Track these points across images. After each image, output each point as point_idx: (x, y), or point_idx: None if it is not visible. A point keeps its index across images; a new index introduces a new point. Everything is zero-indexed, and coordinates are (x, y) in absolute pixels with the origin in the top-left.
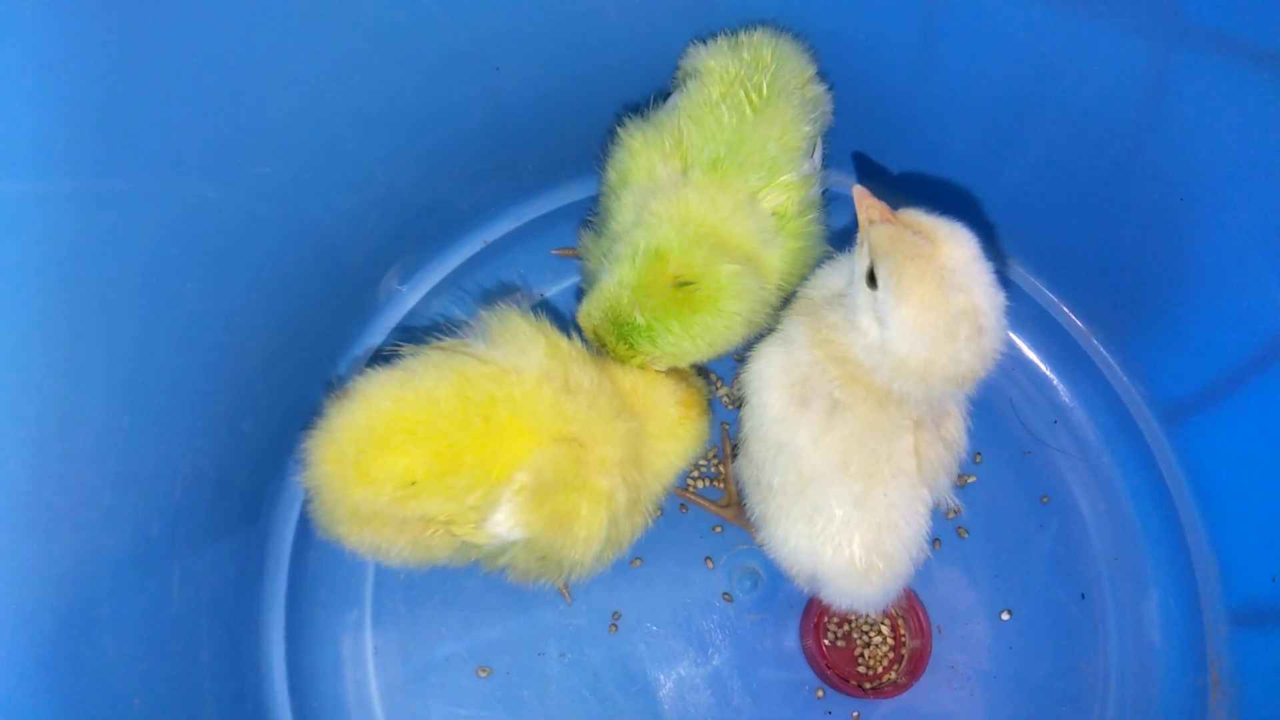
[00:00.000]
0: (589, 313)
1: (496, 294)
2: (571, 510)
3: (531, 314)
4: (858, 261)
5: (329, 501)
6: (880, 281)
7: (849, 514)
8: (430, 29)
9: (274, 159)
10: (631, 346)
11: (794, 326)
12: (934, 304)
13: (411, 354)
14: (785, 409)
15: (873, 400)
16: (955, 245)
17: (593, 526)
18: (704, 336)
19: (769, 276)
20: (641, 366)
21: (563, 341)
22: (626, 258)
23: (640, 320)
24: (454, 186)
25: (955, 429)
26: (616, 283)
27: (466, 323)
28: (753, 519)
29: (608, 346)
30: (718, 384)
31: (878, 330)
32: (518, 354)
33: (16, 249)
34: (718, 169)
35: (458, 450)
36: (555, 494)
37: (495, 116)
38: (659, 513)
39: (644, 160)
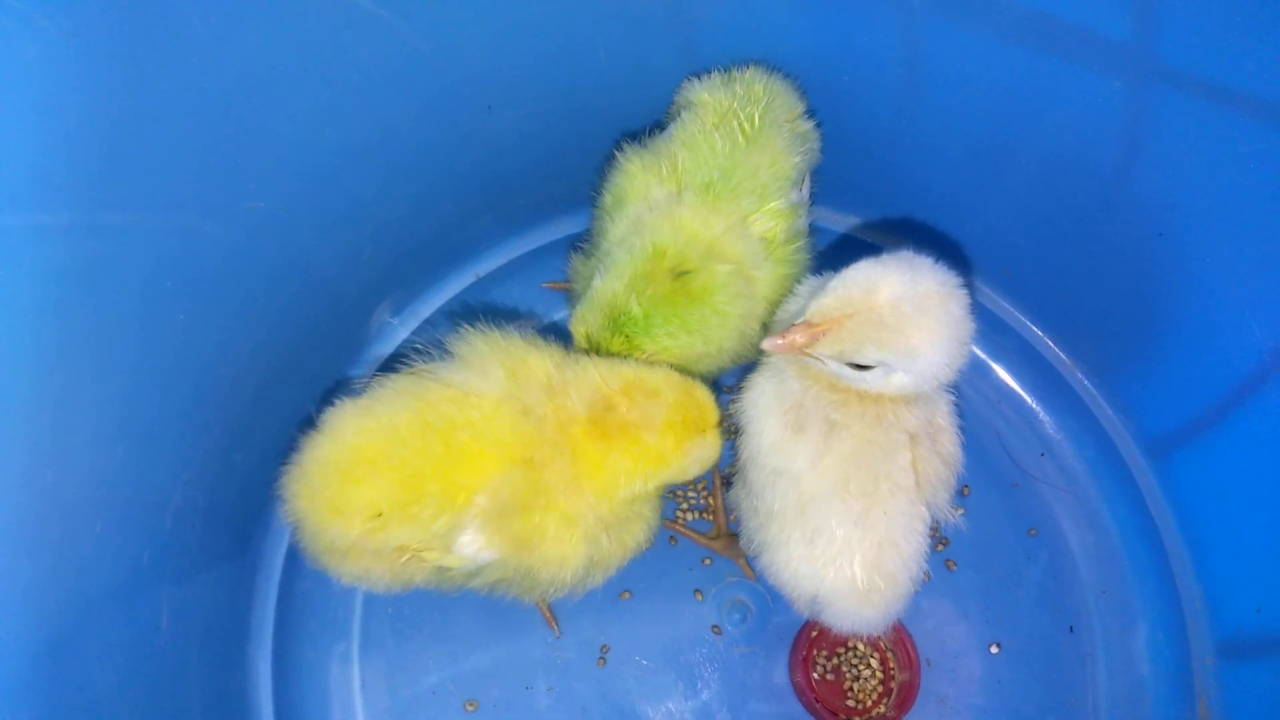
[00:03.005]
0: (583, 316)
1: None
2: (536, 532)
3: (497, 334)
4: (838, 371)
5: (308, 535)
6: (874, 360)
7: (849, 534)
8: (423, 69)
9: (268, 194)
10: (628, 339)
11: (781, 358)
12: (927, 327)
13: (381, 382)
14: (781, 435)
15: (869, 418)
16: (874, 288)
17: (565, 546)
18: (700, 331)
19: (757, 299)
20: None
21: (528, 361)
22: (625, 257)
23: (636, 311)
24: (447, 221)
25: (950, 443)
26: (613, 276)
27: (439, 347)
28: (751, 546)
29: (602, 347)
30: None
31: (905, 377)
32: (478, 376)
33: (13, 280)
34: (711, 192)
35: (420, 479)
36: (515, 517)
37: (488, 154)
38: (653, 532)
39: (640, 183)
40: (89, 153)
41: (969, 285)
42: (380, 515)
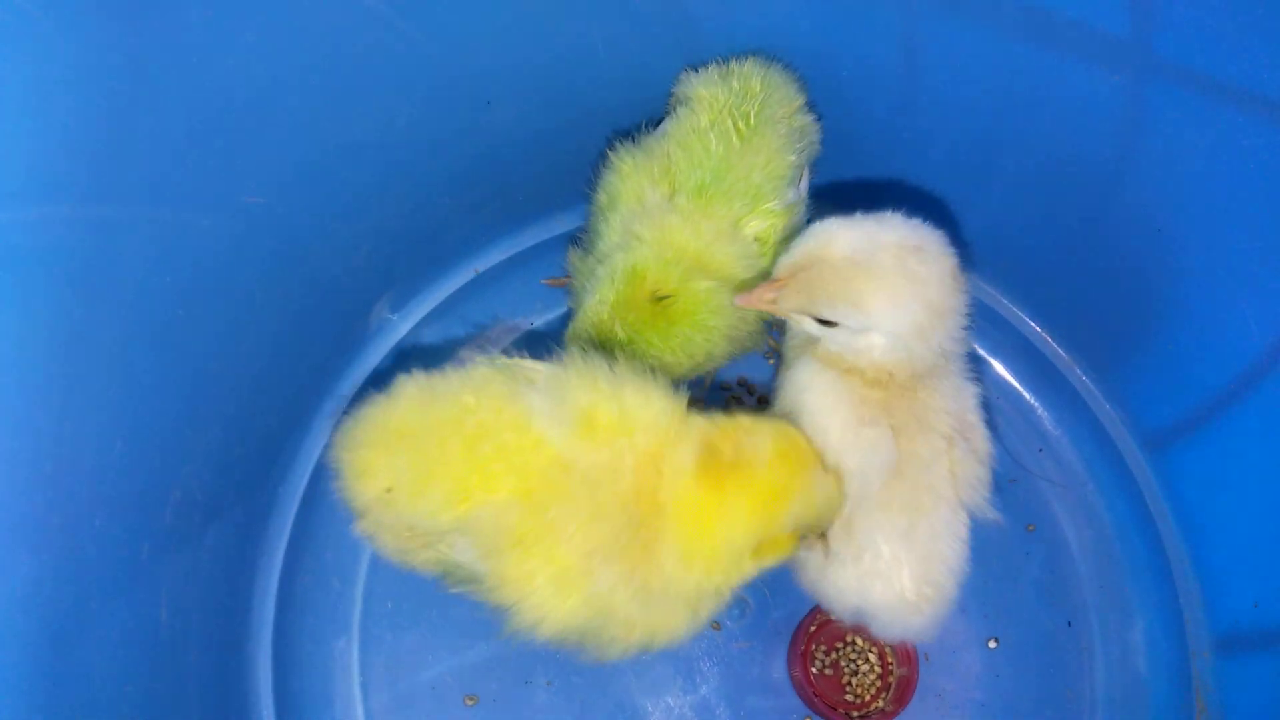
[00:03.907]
0: (575, 334)
1: (487, 323)
2: (523, 576)
3: (609, 376)
4: (807, 328)
5: (339, 482)
6: (839, 316)
7: (896, 550)
8: (422, 63)
9: (267, 189)
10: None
11: (816, 370)
12: (881, 279)
13: (474, 363)
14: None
15: (911, 428)
16: (831, 240)
17: (557, 601)
18: (684, 349)
19: None
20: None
21: (635, 428)
22: (607, 278)
23: (621, 335)
24: (446, 217)
25: (982, 440)
26: (598, 301)
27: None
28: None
29: None
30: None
31: (882, 337)
32: (554, 422)
33: (13, 274)
34: (703, 195)
35: (432, 473)
36: (501, 553)
37: (487, 149)
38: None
39: (633, 184)
40: (87, 147)
41: (968, 280)
42: (389, 491)
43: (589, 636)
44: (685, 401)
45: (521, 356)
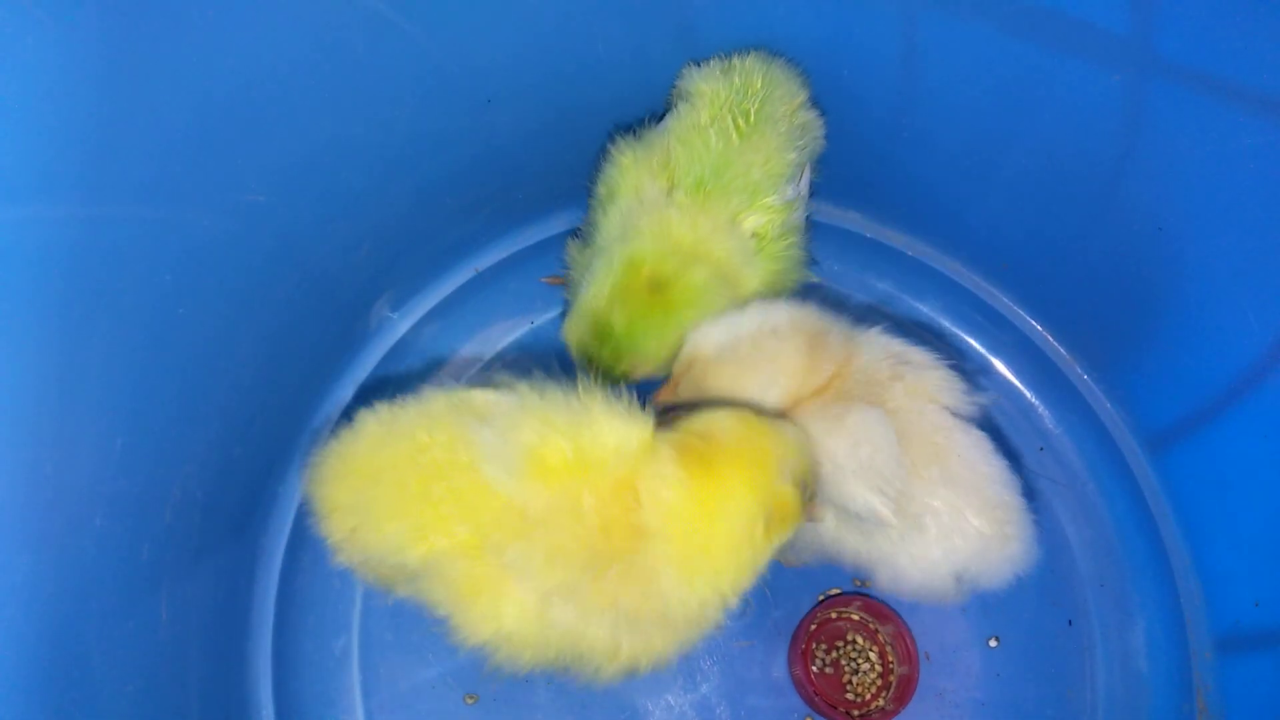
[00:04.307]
0: (573, 326)
1: (486, 322)
2: (486, 616)
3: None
4: None
5: (317, 523)
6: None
7: (947, 497)
8: (422, 61)
9: (267, 187)
10: (614, 352)
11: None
12: (745, 365)
13: (431, 393)
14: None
15: (870, 396)
16: (701, 342)
17: (523, 637)
18: (680, 340)
19: (744, 295)
20: (626, 373)
21: (593, 469)
22: (604, 268)
23: (619, 324)
24: (445, 216)
25: (917, 352)
26: (594, 291)
27: (520, 377)
28: (863, 565)
29: (593, 358)
30: None
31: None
32: (498, 464)
33: (14, 272)
34: (701, 191)
35: (390, 513)
36: (458, 601)
37: (487, 147)
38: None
39: (632, 177)
40: (88, 145)
41: (969, 279)
42: (353, 530)
43: (571, 664)
44: (652, 421)
45: (486, 381)
